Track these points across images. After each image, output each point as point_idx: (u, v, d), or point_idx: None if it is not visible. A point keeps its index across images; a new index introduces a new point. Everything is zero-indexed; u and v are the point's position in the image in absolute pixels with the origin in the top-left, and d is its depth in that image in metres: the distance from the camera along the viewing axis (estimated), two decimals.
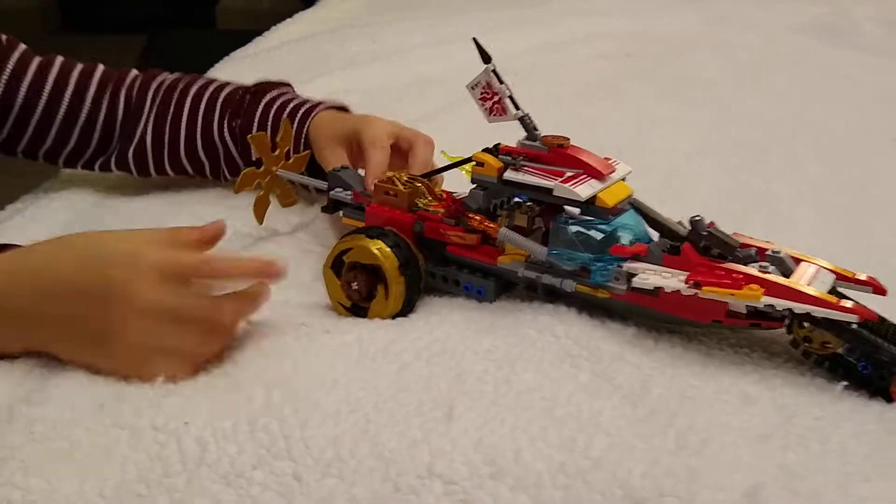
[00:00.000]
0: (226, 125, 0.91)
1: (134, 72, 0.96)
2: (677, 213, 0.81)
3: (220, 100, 0.93)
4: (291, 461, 0.51)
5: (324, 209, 0.79)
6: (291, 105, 0.90)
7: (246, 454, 0.52)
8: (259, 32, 1.73)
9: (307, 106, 0.90)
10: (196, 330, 0.60)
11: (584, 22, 1.66)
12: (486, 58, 0.66)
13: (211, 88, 0.94)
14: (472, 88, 0.66)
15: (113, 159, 0.94)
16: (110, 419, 0.54)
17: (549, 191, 0.64)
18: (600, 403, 0.55)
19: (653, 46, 1.52)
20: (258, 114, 0.90)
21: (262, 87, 0.94)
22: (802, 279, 0.59)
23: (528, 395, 0.56)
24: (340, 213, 0.78)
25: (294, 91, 0.97)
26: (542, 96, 1.29)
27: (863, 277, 0.62)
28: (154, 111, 0.93)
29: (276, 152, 0.81)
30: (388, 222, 0.70)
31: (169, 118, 0.92)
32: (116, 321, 0.58)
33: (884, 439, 0.53)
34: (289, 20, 1.86)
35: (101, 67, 0.95)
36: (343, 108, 0.92)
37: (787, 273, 0.60)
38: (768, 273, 0.58)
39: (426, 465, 0.51)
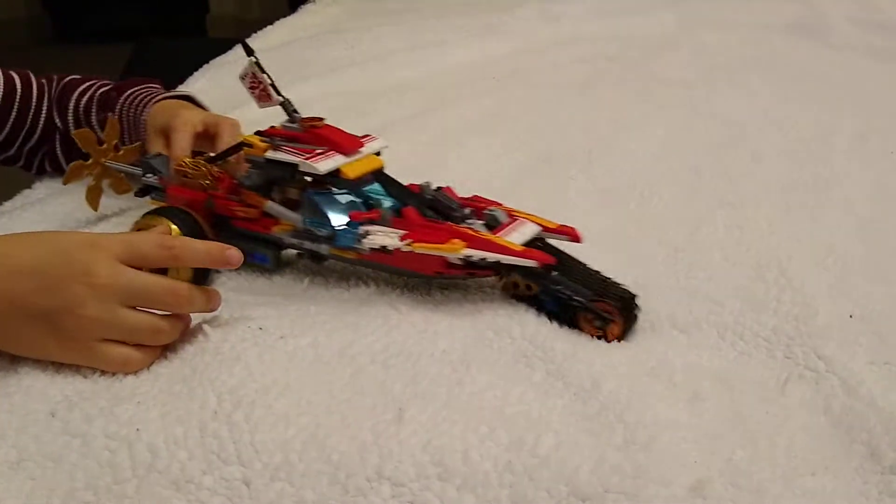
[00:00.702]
0: (94, 119, 0.97)
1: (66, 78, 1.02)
2: (639, 217, 0.82)
3: (97, 97, 0.98)
4: (241, 466, 0.52)
5: (136, 193, 0.85)
6: (141, 99, 0.95)
7: (196, 460, 0.52)
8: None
9: (152, 99, 0.95)
10: (154, 312, 0.61)
11: (561, 26, 1.67)
12: (249, 52, 0.74)
13: (95, 86, 0.99)
14: (242, 79, 0.75)
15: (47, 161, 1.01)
16: (61, 427, 0.55)
17: (295, 166, 0.70)
18: (552, 402, 0.55)
19: (631, 49, 1.53)
20: (117, 107, 0.96)
21: (127, 84, 0.99)
22: (503, 232, 0.66)
23: (479, 395, 0.56)
24: (150, 196, 0.84)
25: (160, 87, 1.01)
26: (519, 99, 1.30)
27: (567, 228, 0.69)
28: (55, 110, 0.99)
29: (104, 146, 0.88)
30: (186, 202, 0.77)
31: (61, 115, 0.98)
32: (72, 299, 0.59)
33: (830, 432, 0.53)
34: (270, 27, 1.87)
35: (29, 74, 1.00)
36: (190, 100, 0.98)
37: (494, 227, 0.68)
38: (472, 228, 0.66)
39: (375, 467, 0.51)
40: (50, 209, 0.95)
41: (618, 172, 0.98)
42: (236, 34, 1.80)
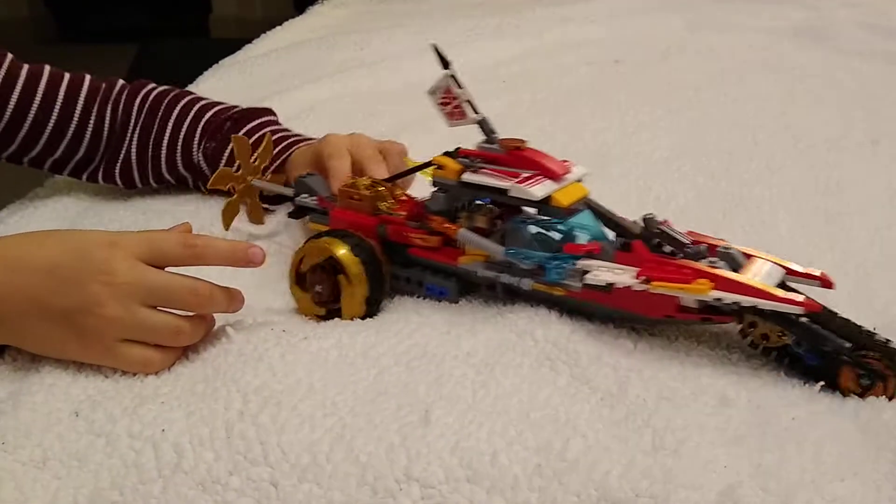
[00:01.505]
0: (202, 146, 0.92)
1: (120, 82, 0.97)
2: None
3: (203, 122, 0.93)
4: (268, 467, 0.51)
5: (290, 214, 0.80)
6: (273, 136, 0.90)
7: (222, 460, 0.52)
8: (252, 41, 1.74)
9: (287, 140, 0.91)
10: (176, 311, 0.61)
11: (570, 29, 1.67)
12: (444, 63, 0.67)
13: (196, 108, 0.95)
14: (432, 94, 0.67)
15: (100, 173, 0.95)
16: (85, 426, 0.54)
17: (504, 191, 0.65)
18: (578, 406, 0.55)
19: (639, 52, 1.53)
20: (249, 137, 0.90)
21: (245, 115, 0.94)
22: (751, 273, 0.60)
23: (505, 399, 0.56)
24: (307, 218, 0.79)
25: (276, 119, 0.98)
26: (528, 102, 1.30)
27: (816, 273, 0.63)
28: (139, 126, 0.94)
29: (256, 162, 0.83)
30: (352, 226, 0.71)
31: (153, 136, 0.93)
32: (91, 299, 0.58)
33: (858, 438, 0.53)
34: (278, 28, 1.87)
35: (88, 78, 0.95)
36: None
37: (736, 268, 0.61)
38: (717, 268, 0.59)
39: (403, 468, 0.51)
40: (61, 207, 0.95)
41: (632, 176, 0.98)
42: (239, 35, 1.79)
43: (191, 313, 0.63)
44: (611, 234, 0.67)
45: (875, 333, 0.59)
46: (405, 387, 0.58)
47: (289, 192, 0.81)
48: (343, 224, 0.72)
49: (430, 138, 1.11)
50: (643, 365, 0.60)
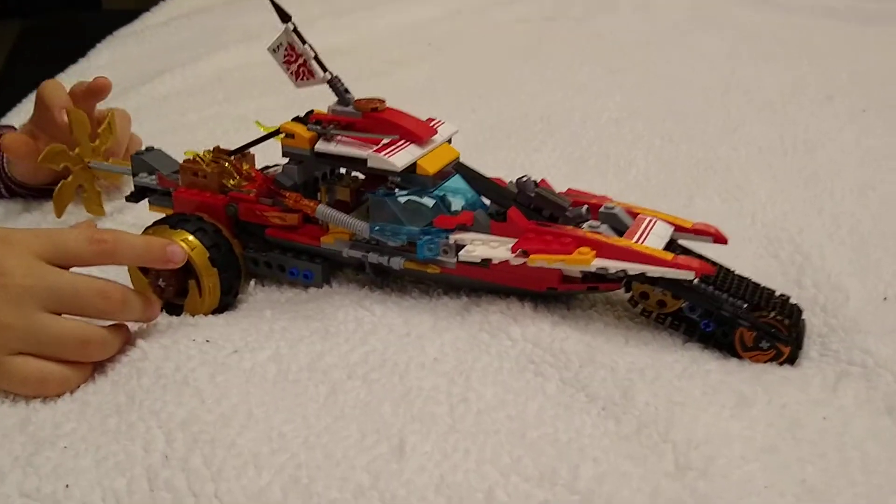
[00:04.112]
0: None
1: None
2: (622, 189, 0.74)
3: None
4: None
5: (128, 198, 0.70)
6: None
7: None
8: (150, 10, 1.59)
9: None
10: (84, 317, 0.51)
11: None
12: (284, 17, 0.59)
13: None
14: (274, 51, 0.60)
15: None
16: None
17: (363, 162, 0.57)
18: (578, 420, 0.46)
19: (572, 8, 1.44)
20: None
21: None
22: (637, 236, 0.55)
23: (490, 415, 0.46)
24: (148, 202, 0.69)
25: None
26: (458, 66, 1.20)
27: (708, 228, 0.57)
28: None
29: (96, 143, 0.74)
30: (198, 207, 0.63)
31: None
32: None
33: None
34: None
35: None
36: None
37: (621, 229, 0.56)
38: (599, 233, 0.54)
39: None
40: None
41: (584, 142, 0.90)
42: (135, 5, 1.64)
43: (102, 322, 0.52)
44: (486, 201, 0.59)
45: (770, 290, 0.55)
46: (366, 407, 0.48)
47: (126, 170, 0.71)
48: (188, 205, 0.64)
49: None
50: (643, 362, 0.51)
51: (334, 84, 0.60)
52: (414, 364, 0.51)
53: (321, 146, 0.59)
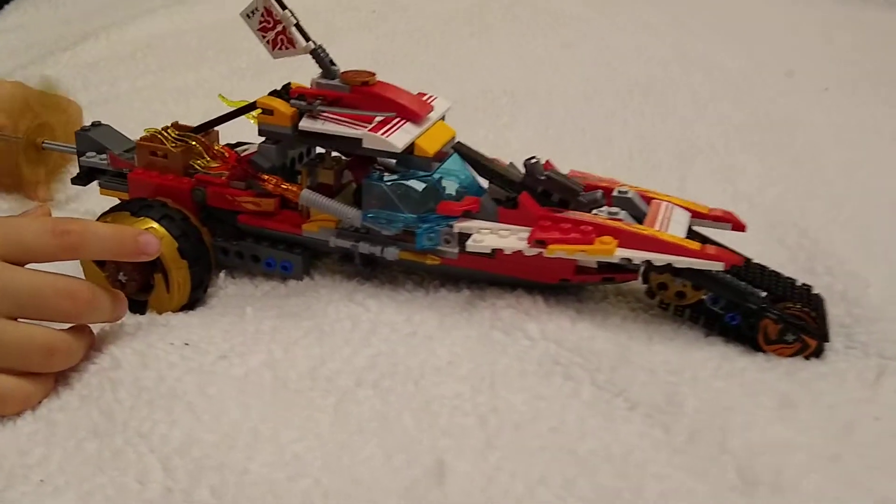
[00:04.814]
0: None
1: None
2: (608, 168, 0.70)
3: None
4: None
5: (74, 180, 0.63)
6: None
7: None
8: None
9: None
10: (48, 321, 0.45)
11: None
12: None
13: None
14: (248, 17, 0.53)
15: None
16: None
17: (357, 142, 0.52)
18: (624, 430, 0.42)
19: None
20: None
21: None
22: (657, 223, 0.51)
23: (529, 427, 0.42)
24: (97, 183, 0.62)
25: None
26: (405, 35, 1.14)
27: (725, 214, 0.54)
28: None
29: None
30: (158, 191, 0.56)
31: None
32: None
33: None
34: None
35: None
36: None
37: (638, 215, 0.53)
38: (619, 220, 0.50)
39: None
40: None
41: (556, 118, 0.85)
42: None
43: (64, 325, 0.46)
44: (484, 184, 0.55)
45: (794, 280, 0.52)
46: (384, 420, 0.43)
47: (71, 149, 0.63)
48: (146, 189, 0.57)
49: (294, 78, 0.93)
50: (676, 361, 0.47)
51: (318, 55, 0.54)
52: (428, 368, 0.46)
53: (306, 124, 0.53)
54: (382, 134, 0.51)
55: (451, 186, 0.54)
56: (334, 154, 0.58)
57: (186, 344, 0.48)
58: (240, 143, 0.62)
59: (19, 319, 0.44)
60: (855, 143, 0.80)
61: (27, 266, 0.45)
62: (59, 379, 0.46)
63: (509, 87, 0.94)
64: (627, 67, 1.02)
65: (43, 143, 0.64)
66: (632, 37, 1.13)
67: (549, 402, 0.44)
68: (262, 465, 0.39)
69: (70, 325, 0.46)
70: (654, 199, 0.54)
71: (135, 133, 0.62)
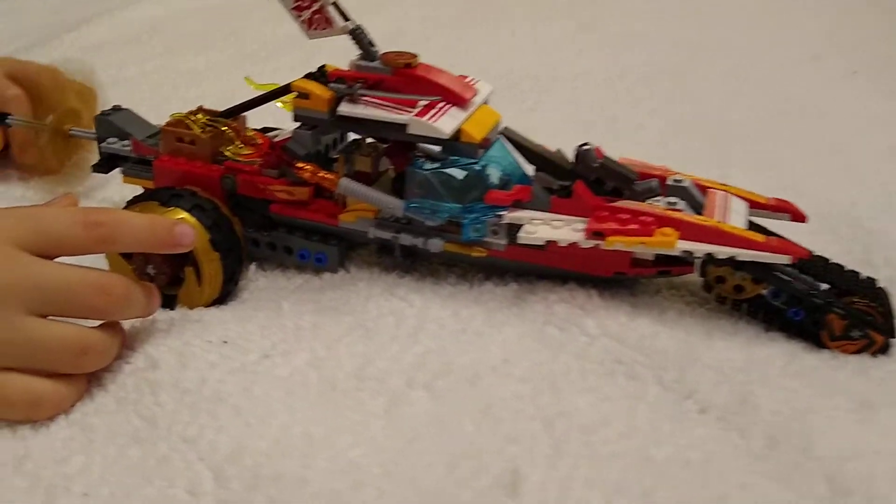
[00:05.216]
0: None
1: None
2: (646, 155, 0.67)
3: None
4: None
5: (95, 168, 0.60)
6: None
7: None
8: None
9: None
10: (78, 318, 0.42)
11: None
12: None
13: None
14: None
15: None
16: None
17: (401, 127, 0.49)
18: (698, 433, 0.40)
19: None
20: None
21: None
22: (717, 213, 0.49)
23: (598, 432, 0.39)
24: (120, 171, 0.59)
25: None
26: (418, 16, 1.11)
27: (779, 203, 0.52)
28: None
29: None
30: (185, 179, 0.54)
31: None
32: None
33: None
34: None
35: None
36: None
37: (696, 205, 0.50)
38: (678, 210, 0.49)
39: None
40: None
41: (583, 103, 0.83)
42: None
43: (95, 323, 0.43)
44: (529, 171, 0.53)
45: (857, 273, 0.50)
46: (441, 424, 0.40)
47: (91, 134, 0.60)
48: (172, 177, 0.54)
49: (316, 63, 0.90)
50: (741, 359, 0.45)
51: (358, 35, 0.51)
52: (483, 368, 0.44)
53: (346, 108, 0.50)
54: (429, 119, 0.49)
55: (494, 174, 0.51)
56: (369, 140, 0.55)
57: (224, 342, 0.46)
58: (266, 129, 0.59)
59: (48, 317, 0.41)
60: (890, 130, 0.78)
61: (56, 260, 0.43)
62: (91, 380, 0.43)
63: (531, 70, 0.92)
64: (650, 52, 0.99)
65: (70, 129, 0.61)
66: (649, 21, 1.11)
67: (615, 403, 0.41)
68: (320, 473, 0.36)
69: (99, 322, 0.44)
70: (709, 188, 0.52)
71: (147, 118, 0.59)
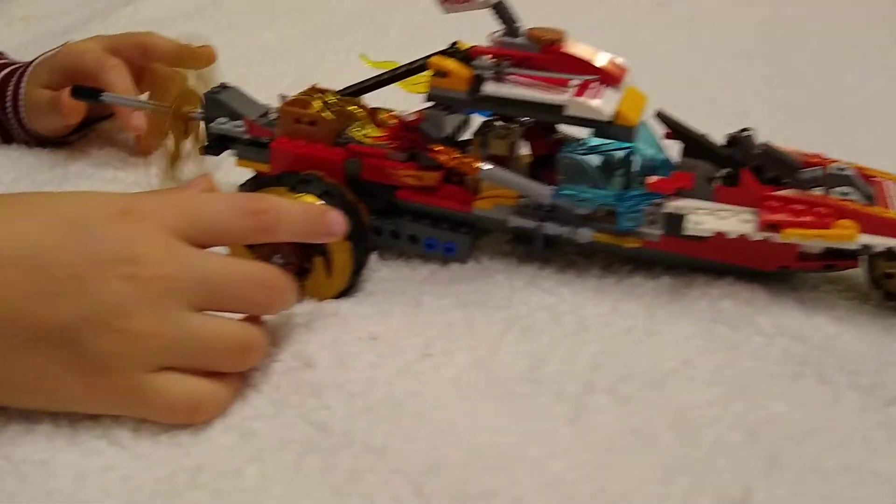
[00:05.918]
0: None
1: None
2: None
3: None
4: None
5: (203, 150, 0.56)
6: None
7: None
8: None
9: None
10: (236, 312, 0.39)
11: None
12: None
13: None
14: None
15: None
16: None
17: (558, 109, 0.46)
18: None
19: None
20: None
21: None
22: (890, 204, 0.46)
23: (810, 442, 0.36)
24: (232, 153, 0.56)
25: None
26: None
27: None
28: None
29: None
30: (304, 163, 0.50)
31: None
32: (105, 304, 0.36)
33: None
34: None
35: None
36: None
37: (867, 195, 0.47)
38: (851, 200, 0.45)
39: None
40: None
41: (676, 87, 0.78)
42: None
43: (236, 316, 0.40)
44: (674, 156, 0.49)
45: None
46: (637, 435, 0.37)
47: (198, 115, 0.56)
48: (290, 160, 0.51)
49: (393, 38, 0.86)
50: None
51: (502, 9, 0.48)
52: (666, 371, 0.41)
53: (491, 88, 0.47)
54: (586, 100, 0.45)
55: (636, 161, 0.48)
56: (499, 123, 0.52)
57: (373, 339, 0.43)
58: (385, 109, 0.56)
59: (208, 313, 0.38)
60: None
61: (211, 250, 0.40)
62: (248, 381, 0.40)
63: (613, 49, 0.88)
64: (734, 30, 0.96)
65: (191, 112, 0.57)
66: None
67: (814, 410, 0.39)
68: (529, 490, 0.33)
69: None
70: (871, 176, 0.49)
71: None
